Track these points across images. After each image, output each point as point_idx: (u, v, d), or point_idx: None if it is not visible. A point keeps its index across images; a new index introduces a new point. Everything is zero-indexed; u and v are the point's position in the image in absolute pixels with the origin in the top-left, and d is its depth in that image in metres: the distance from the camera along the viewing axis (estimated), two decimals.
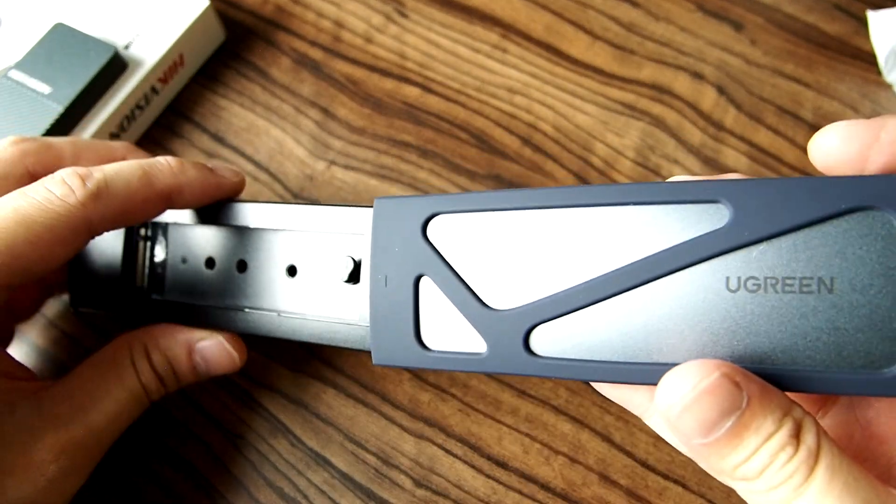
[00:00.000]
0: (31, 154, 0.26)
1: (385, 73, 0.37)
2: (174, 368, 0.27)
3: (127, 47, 0.35)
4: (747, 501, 0.18)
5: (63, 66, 0.33)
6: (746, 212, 0.18)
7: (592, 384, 0.23)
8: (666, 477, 0.28)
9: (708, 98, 0.36)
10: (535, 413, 0.30)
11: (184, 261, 0.28)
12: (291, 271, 0.26)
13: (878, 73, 0.36)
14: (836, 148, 0.19)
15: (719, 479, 0.18)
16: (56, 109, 0.32)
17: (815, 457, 0.16)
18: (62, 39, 0.34)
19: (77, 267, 0.29)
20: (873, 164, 0.18)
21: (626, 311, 0.19)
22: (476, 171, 0.34)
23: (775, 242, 0.18)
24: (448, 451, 0.29)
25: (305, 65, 0.37)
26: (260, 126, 0.36)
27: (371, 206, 0.23)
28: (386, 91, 0.37)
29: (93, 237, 0.24)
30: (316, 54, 0.38)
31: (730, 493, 0.28)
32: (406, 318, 0.22)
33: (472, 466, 0.29)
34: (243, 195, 0.28)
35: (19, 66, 0.33)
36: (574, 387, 0.30)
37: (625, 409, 0.29)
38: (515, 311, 0.20)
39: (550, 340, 0.20)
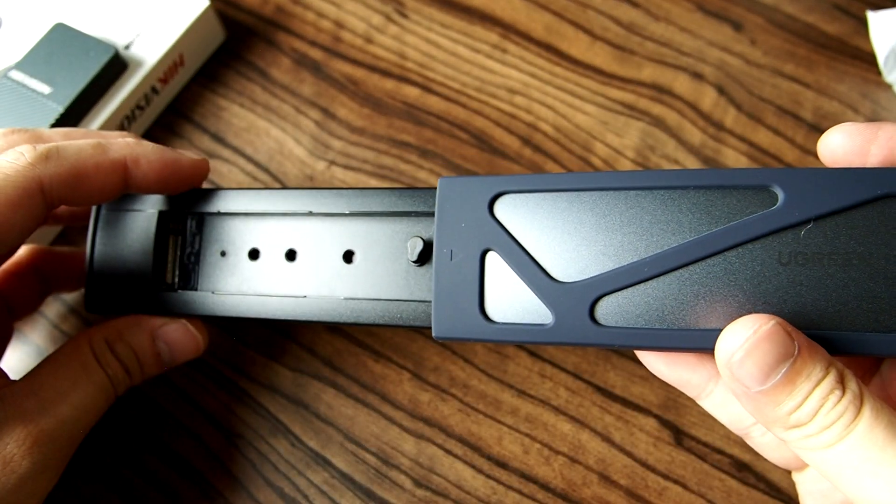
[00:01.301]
0: (22, 144, 0.26)
1: (385, 73, 0.37)
2: (138, 357, 0.26)
3: (127, 47, 0.35)
4: (797, 451, 0.19)
5: (63, 67, 0.33)
6: (797, 196, 0.20)
7: (650, 368, 0.24)
8: (666, 477, 0.28)
9: (708, 98, 0.36)
10: (535, 413, 0.30)
11: (223, 253, 0.27)
12: (348, 257, 0.26)
13: (878, 73, 0.36)
14: (841, 144, 0.21)
15: (773, 430, 0.19)
16: (56, 110, 0.32)
17: (861, 398, 0.18)
18: (62, 39, 0.34)
19: (96, 268, 0.28)
20: (873, 158, 0.21)
21: (686, 283, 0.21)
22: (476, 172, 0.34)
23: (822, 222, 0.20)
24: (448, 451, 0.29)
25: (305, 65, 0.37)
26: (260, 126, 0.36)
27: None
28: (386, 91, 0.37)
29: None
30: (316, 54, 0.38)
31: (729, 492, 0.28)
32: (471, 292, 0.22)
33: (472, 466, 0.29)
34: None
35: (19, 66, 0.33)
36: (574, 387, 0.30)
37: (625, 408, 0.30)
38: (581, 283, 0.22)
39: (614, 311, 0.21)
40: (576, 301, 0.21)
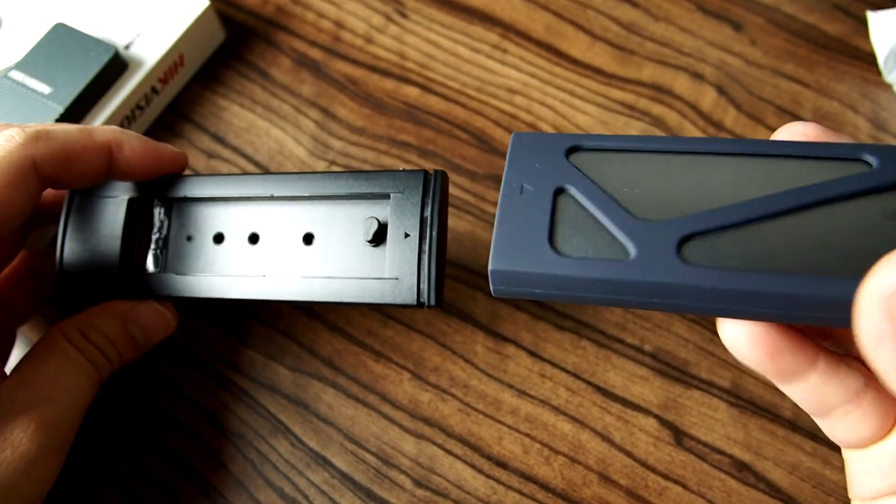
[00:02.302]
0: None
1: (385, 73, 0.37)
2: (113, 342, 0.27)
3: (127, 47, 0.35)
4: None
5: (63, 67, 0.33)
6: (892, 161, 0.19)
7: (734, 350, 0.20)
8: (666, 477, 0.28)
9: (708, 98, 0.36)
10: (535, 413, 0.30)
11: (189, 238, 0.28)
12: (308, 239, 0.27)
13: (878, 73, 0.36)
14: None
15: None
16: (56, 110, 0.32)
17: None
18: (62, 39, 0.34)
19: (65, 255, 0.28)
20: None
21: (782, 231, 0.19)
22: (476, 171, 0.34)
23: None
24: (448, 451, 0.29)
25: (305, 65, 0.37)
26: (260, 126, 0.36)
27: (393, 170, 0.26)
28: (386, 91, 0.37)
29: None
30: (316, 54, 0.38)
31: (729, 492, 0.28)
32: (540, 224, 0.20)
33: (472, 466, 0.29)
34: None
35: (20, 66, 0.33)
36: (574, 387, 0.30)
37: (625, 408, 0.30)
38: (667, 221, 0.20)
39: (703, 252, 0.19)
40: (662, 236, 0.19)
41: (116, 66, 0.34)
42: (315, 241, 0.27)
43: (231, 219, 0.28)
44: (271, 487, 0.29)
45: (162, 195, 0.28)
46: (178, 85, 0.37)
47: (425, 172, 0.26)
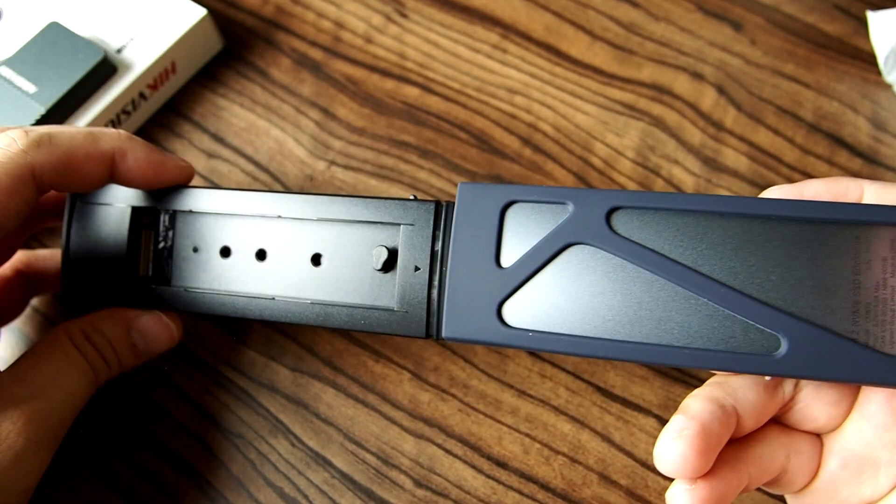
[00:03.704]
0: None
1: (385, 73, 0.37)
2: (114, 348, 0.27)
3: (119, 51, 0.34)
4: None
5: (51, 66, 0.33)
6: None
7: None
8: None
9: (708, 98, 0.36)
10: (535, 413, 0.30)
11: (195, 249, 0.28)
12: (316, 260, 0.27)
13: (878, 73, 0.36)
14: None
15: None
16: (38, 110, 0.32)
17: None
18: (54, 39, 0.33)
19: (71, 261, 0.28)
20: None
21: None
22: (476, 172, 0.34)
23: None
24: (448, 451, 0.29)
25: (305, 65, 0.37)
26: (260, 126, 0.36)
27: (404, 199, 0.25)
28: (386, 91, 0.37)
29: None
30: (316, 54, 0.38)
31: None
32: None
33: (472, 466, 0.29)
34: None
35: (9, 62, 0.33)
36: (574, 387, 0.30)
37: (625, 408, 0.29)
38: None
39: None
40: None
41: (104, 69, 0.33)
42: (323, 262, 0.26)
43: (238, 233, 0.28)
44: (271, 487, 0.29)
45: (166, 205, 0.28)
46: (169, 91, 0.37)
47: (437, 203, 0.25)
